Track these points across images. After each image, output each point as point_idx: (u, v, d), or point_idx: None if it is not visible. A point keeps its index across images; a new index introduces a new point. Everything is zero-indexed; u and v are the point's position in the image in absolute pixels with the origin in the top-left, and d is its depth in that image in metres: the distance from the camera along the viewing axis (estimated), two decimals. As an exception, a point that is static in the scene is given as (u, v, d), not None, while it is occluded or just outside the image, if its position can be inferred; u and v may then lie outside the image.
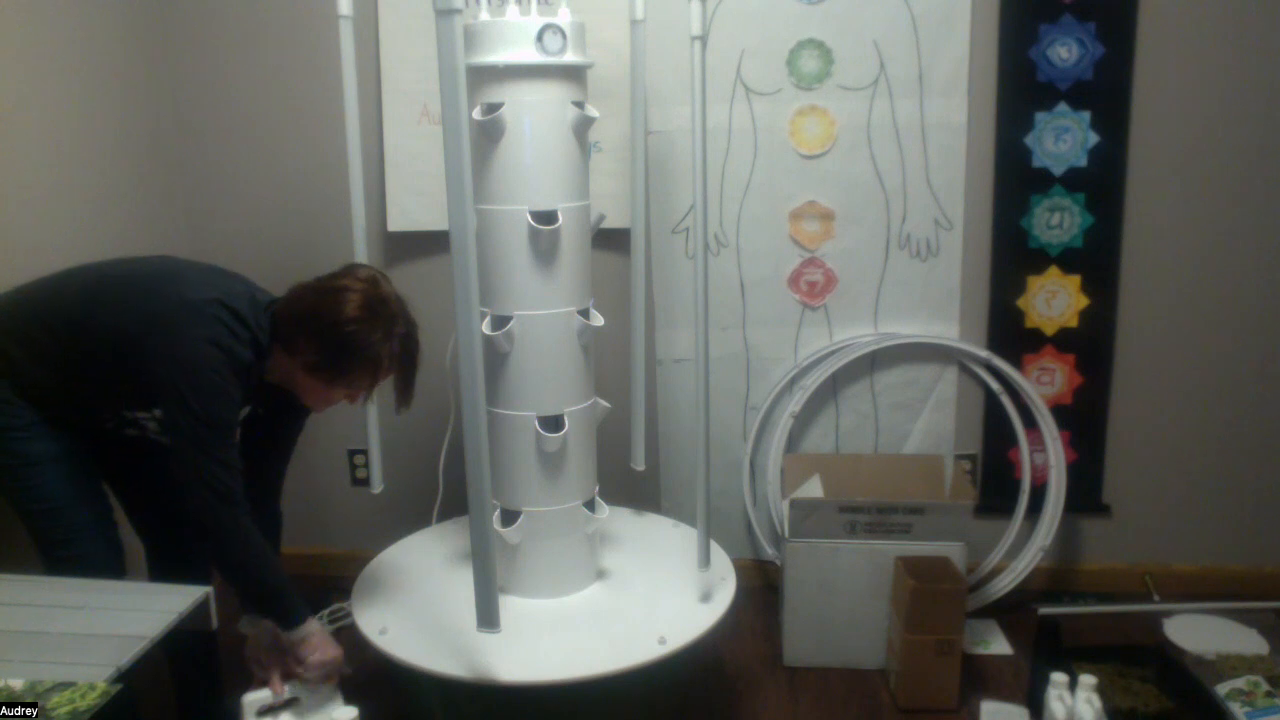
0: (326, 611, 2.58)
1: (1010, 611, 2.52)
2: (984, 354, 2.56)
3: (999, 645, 2.43)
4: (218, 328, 1.60)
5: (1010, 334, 2.58)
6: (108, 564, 1.72)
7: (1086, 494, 2.64)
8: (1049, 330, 2.58)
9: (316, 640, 1.69)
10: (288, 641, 1.68)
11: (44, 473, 1.67)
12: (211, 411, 1.57)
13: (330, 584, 2.63)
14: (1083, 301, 2.55)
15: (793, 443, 2.63)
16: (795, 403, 2.59)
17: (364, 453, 2.67)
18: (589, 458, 2.06)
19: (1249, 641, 2.04)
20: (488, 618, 1.67)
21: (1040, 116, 2.46)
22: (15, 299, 1.72)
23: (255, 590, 1.66)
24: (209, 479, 1.57)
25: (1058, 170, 2.48)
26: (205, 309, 1.61)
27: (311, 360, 1.67)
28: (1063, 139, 2.46)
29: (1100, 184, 2.48)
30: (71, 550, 1.69)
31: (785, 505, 2.34)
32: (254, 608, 1.69)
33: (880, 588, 2.27)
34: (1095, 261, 2.52)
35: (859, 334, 2.61)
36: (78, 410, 1.72)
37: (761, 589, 2.71)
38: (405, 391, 1.75)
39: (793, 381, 2.63)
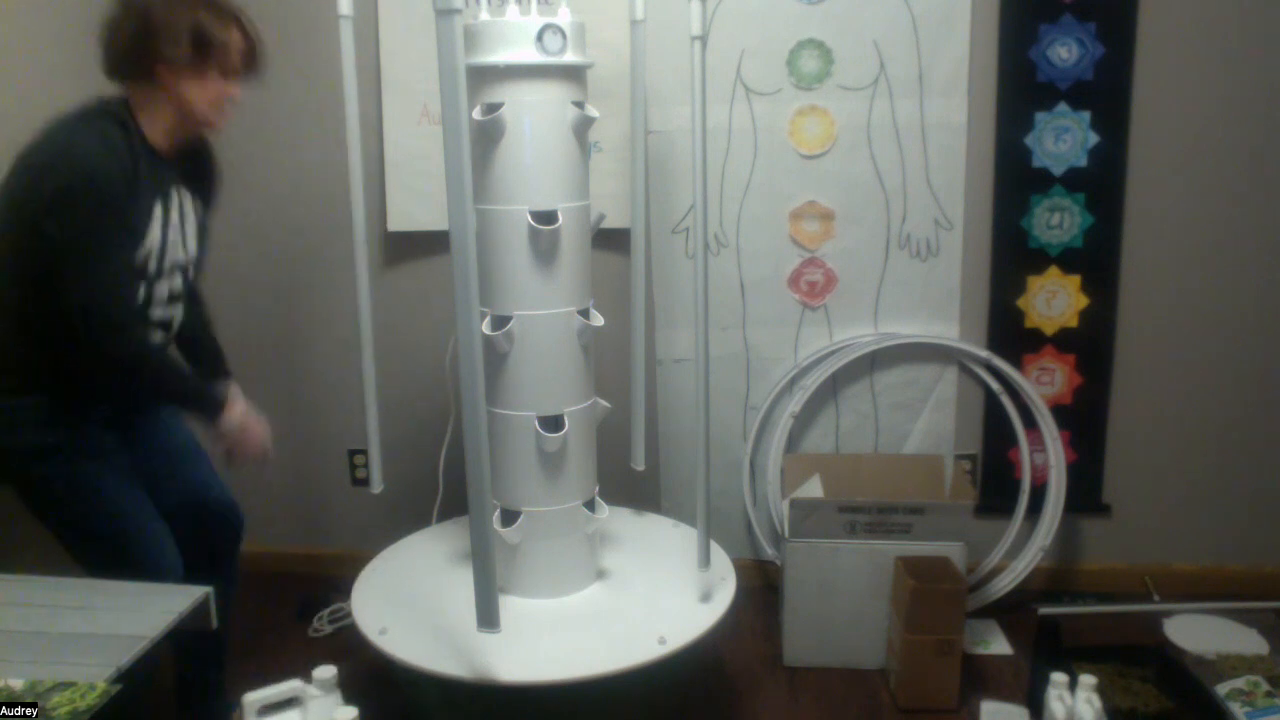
0: (326, 611, 2.59)
1: (1010, 611, 2.52)
2: (984, 354, 2.56)
3: (999, 645, 2.43)
4: (75, 139, 1.59)
5: (1010, 334, 2.58)
6: (174, 568, 1.76)
7: (1086, 494, 2.64)
8: (1049, 330, 2.58)
9: (237, 421, 1.81)
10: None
11: (109, 483, 1.72)
12: (96, 227, 1.57)
13: (330, 584, 2.63)
14: (1083, 301, 2.55)
15: (793, 443, 2.63)
16: (795, 403, 2.59)
17: (364, 453, 2.67)
18: (589, 458, 2.06)
19: (1249, 641, 2.04)
20: (488, 618, 1.67)
21: (1040, 116, 2.45)
22: None
23: (165, 399, 1.85)
24: (94, 298, 1.58)
25: (1058, 170, 2.48)
26: (56, 143, 1.59)
27: (174, 65, 1.64)
28: (1063, 139, 2.46)
29: (1100, 184, 2.48)
30: (148, 555, 1.73)
31: (785, 505, 2.34)
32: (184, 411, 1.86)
33: (880, 588, 2.27)
34: (1095, 261, 2.52)
35: (859, 334, 2.61)
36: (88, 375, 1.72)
37: (761, 589, 2.71)
38: (251, 53, 1.75)
39: (793, 381, 2.63)
